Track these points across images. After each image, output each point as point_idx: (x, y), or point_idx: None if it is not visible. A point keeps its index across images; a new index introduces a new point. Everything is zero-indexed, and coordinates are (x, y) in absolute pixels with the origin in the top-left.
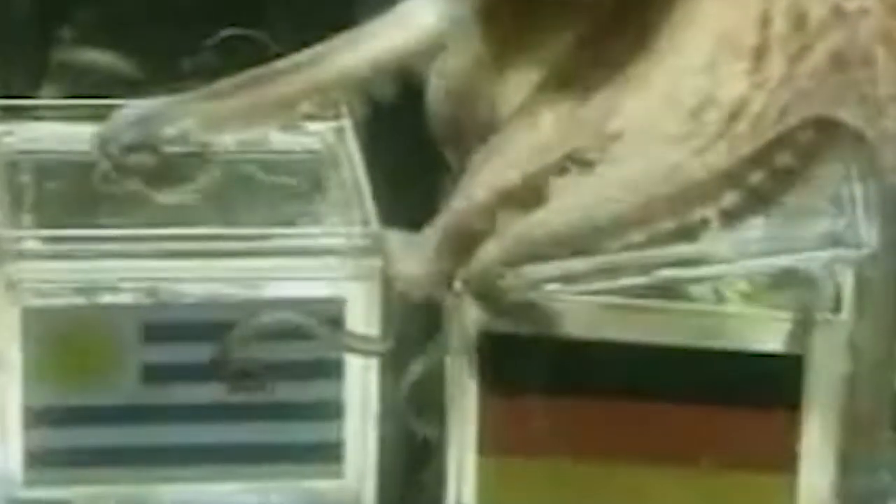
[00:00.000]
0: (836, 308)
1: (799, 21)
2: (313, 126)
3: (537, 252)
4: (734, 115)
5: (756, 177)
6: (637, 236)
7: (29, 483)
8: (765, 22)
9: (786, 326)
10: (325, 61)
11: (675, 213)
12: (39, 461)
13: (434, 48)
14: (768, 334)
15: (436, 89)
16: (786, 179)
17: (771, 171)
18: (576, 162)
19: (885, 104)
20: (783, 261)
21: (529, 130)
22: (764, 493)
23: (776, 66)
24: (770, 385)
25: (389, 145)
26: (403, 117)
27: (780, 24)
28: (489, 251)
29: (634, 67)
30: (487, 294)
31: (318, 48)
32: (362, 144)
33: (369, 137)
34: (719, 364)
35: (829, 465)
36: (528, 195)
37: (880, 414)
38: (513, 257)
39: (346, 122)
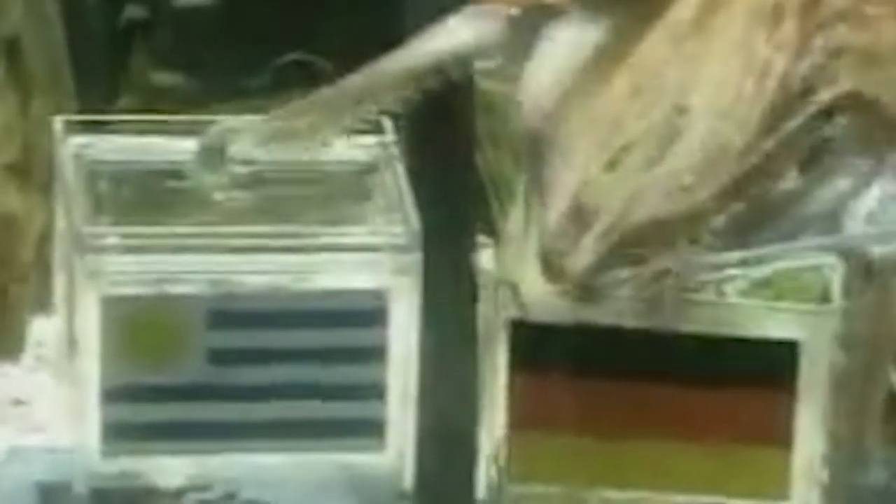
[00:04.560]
0: (826, 297)
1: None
2: (362, 140)
3: (631, 242)
4: (764, 74)
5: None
6: (715, 217)
7: (105, 454)
8: None
9: (782, 317)
10: (384, 65)
11: (737, 195)
12: (115, 434)
13: (469, 57)
14: (767, 324)
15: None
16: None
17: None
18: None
19: None
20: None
21: (604, 109)
22: (763, 464)
23: (791, 32)
24: (769, 369)
25: (428, 156)
26: (440, 131)
27: None
28: (586, 249)
29: (696, 42)
30: (592, 292)
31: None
32: (404, 155)
33: (410, 149)
34: (725, 350)
35: (821, 441)
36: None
37: (873, 406)
38: (610, 248)
39: (390, 136)
